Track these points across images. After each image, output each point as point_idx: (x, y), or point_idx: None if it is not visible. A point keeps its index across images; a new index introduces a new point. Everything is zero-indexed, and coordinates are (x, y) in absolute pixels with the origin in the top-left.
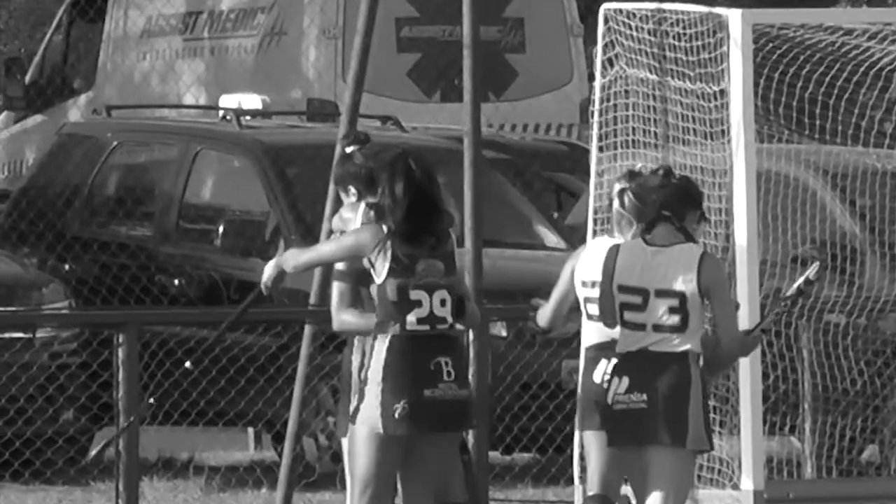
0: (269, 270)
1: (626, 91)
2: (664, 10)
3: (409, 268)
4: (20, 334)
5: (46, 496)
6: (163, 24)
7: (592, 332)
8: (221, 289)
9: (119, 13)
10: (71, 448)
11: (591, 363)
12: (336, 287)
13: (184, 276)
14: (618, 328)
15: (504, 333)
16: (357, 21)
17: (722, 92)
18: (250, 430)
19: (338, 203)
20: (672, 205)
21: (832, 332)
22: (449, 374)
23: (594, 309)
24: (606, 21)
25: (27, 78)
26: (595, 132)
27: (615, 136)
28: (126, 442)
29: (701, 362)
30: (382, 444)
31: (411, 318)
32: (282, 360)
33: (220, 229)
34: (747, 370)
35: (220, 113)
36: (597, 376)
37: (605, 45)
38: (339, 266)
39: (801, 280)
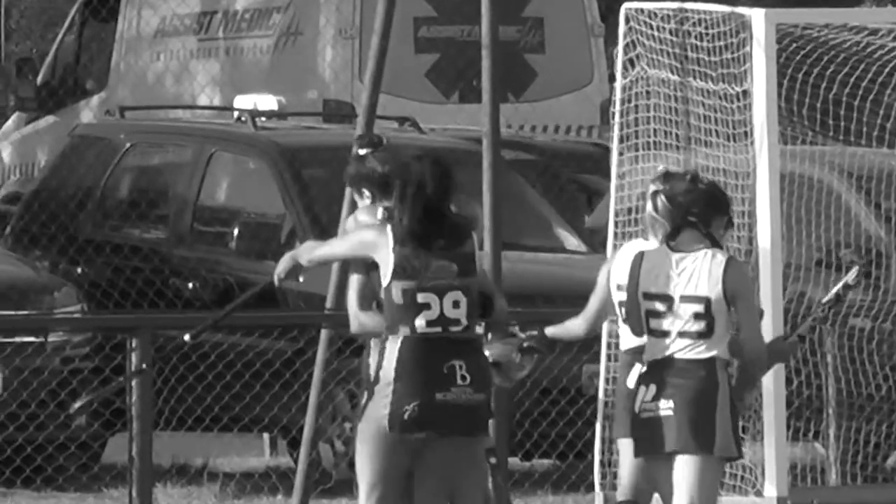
0: (284, 262)
1: (648, 92)
2: (686, 10)
3: (415, 270)
4: (32, 338)
5: (58, 503)
6: (177, 23)
7: (629, 336)
8: (236, 292)
9: (132, 13)
10: (83, 454)
11: (626, 367)
12: (353, 289)
13: (198, 280)
14: (645, 336)
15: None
16: (374, 21)
17: (745, 93)
18: (266, 435)
19: (354, 206)
20: (698, 210)
21: (857, 336)
22: (463, 377)
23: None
24: (627, 21)
25: (39, 79)
26: (616, 134)
27: (636, 137)
28: (139, 447)
29: (731, 370)
30: (388, 444)
31: (420, 321)
32: (298, 365)
33: (235, 232)
34: (770, 375)
35: (235, 114)
36: (630, 381)
37: (626, 46)
38: (356, 268)
39: (839, 285)
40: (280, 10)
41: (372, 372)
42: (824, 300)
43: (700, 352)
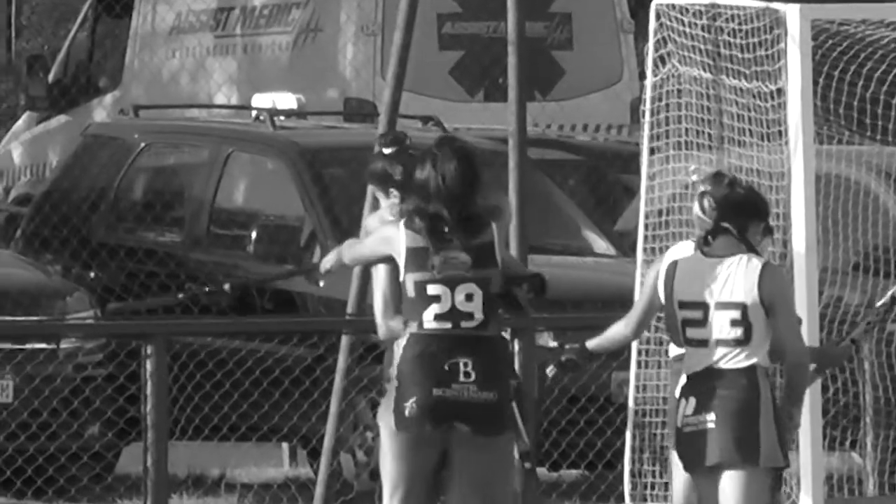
0: (332, 256)
1: (679, 90)
2: (718, 6)
3: (425, 261)
4: (43, 345)
5: None
6: (193, 20)
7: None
8: (255, 297)
9: (147, 9)
10: (96, 464)
11: (675, 375)
12: (379, 294)
13: (215, 284)
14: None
15: (553, 344)
16: (397, 17)
17: (779, 91)
18: (285, 445)
19: (375, 205)
20: (734, 216)
21: (895, 342)
22: (467, 374)
23: None
24: (658, 17)
25: (51, 77)
26: (646, 133)
27: (667, 137)
28: (154, 458)
29: (773, 379)
30: (404, 443)
31: (428, 314)
32: (318, 372)
33: (253, 235)
34: None
35: (253, 113)
36: (678, 391)
37: (657, 42)
38: (381, 272)
39: (894, 288)
40: (299, 6)
41: (387, 372)
42: (879, 304)
43: (740, 360)
